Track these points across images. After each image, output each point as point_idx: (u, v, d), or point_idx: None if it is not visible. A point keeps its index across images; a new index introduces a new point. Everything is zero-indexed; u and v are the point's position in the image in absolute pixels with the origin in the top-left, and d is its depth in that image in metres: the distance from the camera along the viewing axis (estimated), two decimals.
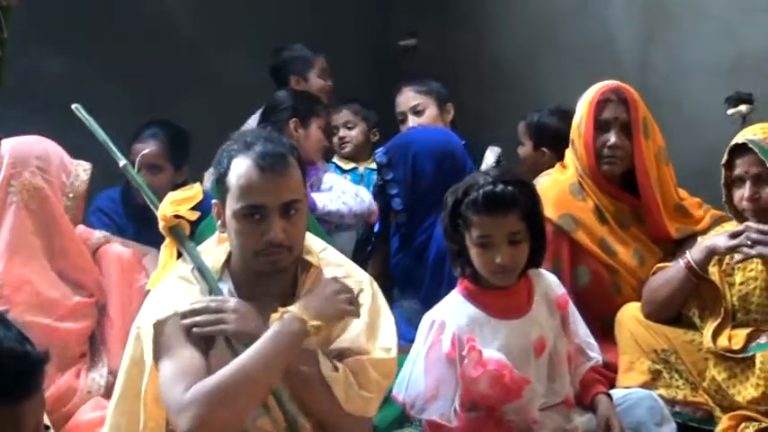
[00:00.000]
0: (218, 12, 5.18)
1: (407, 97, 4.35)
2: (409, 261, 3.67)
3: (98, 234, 3.47)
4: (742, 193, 3.12)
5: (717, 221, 3.48)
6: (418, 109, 4.32)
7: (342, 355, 2.53)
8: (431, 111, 4.32)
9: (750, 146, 3.07)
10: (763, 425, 3.00)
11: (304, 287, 2.56)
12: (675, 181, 3.56)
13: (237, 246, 2.52)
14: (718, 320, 3.13)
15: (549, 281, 2.85)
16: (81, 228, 3.45)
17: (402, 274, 3.71)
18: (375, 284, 2.68)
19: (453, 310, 2.74)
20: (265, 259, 2.48)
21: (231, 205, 2.48)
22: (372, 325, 2.60)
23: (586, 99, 3.45)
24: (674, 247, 3.50)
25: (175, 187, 3.52)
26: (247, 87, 4.88)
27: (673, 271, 3.20)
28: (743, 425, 3.03)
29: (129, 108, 4.59)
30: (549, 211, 3.33)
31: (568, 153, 3.56)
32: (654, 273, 3.30)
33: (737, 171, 3.14)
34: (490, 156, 4.22)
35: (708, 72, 4.06)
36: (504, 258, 2.66)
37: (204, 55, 5.11)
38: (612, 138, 3.39)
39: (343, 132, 4.68)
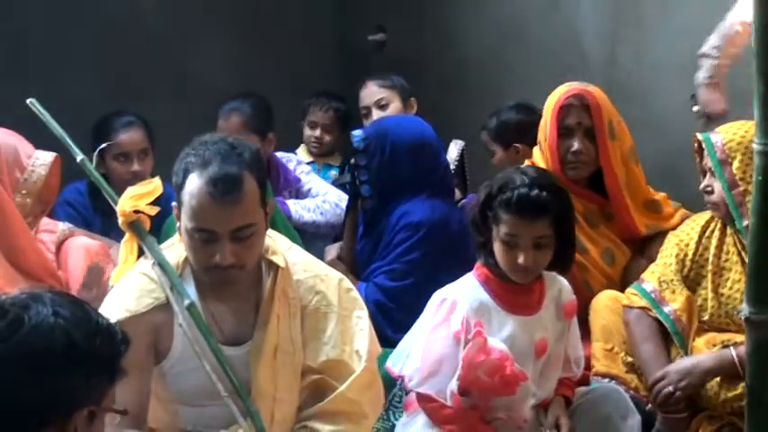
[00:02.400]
0: (188, 8, 5.16)
1: (372, 91, 4.34)
2: (370, 247, 3.66)
3: (63, 226, 3.45)
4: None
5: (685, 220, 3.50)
6: (382, 103, 4.31)
7: (319, 376, 2.55)
8: (395, 105, 4.31)
9: (703, 144, 3.11)
10: (726, 420, 3.02)
11: (273, 290, 2.54)
12: (644, 178, 3.57)
13: (191, 261, 2.51)
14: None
15: (562, 286, 2.88)
16: (46, 220, 3.42)
17: (363, 260, 3.70)
18: (345, 282, 2.67)
19: (467, 293, 2.77)
20: (215, 276, 2.48)
21: (184, 221, 2.46)
22: (344, 326, 2.59)
23: (549, 103, 3.46)
24: (641, 244, 3.52)
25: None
26: (217, 82, 4.87)
27: (644, 357, 3.14)
28: (704, 422, 3.04)
29: (100, 104, 4.57)
30: None
31: (536, 151, 3.57)
32: (639, 315, 3.18)
33: (703, 162, 3.17)
34: (453, 149, 4.22)
35: (673, 69, 4.06)
36: (527, 261, 2.70)
37: (173, 51, 5.08)
38: (576, 144, 3.41)
39: None
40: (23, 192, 3.16)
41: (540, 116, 3.77)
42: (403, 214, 3.52)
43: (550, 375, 2.84)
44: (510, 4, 4.78)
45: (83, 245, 3.37)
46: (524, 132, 3.88)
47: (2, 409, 1.64)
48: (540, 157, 3.53)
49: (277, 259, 2.57)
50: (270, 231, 2.63)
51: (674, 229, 3.41)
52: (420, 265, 3.47)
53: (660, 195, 3.59)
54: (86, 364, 1.69)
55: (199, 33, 5.13)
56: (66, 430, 1.68)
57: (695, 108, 3.94)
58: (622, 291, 3.34)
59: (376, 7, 5.45)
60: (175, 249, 2.58)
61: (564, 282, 2.88)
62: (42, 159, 3.21)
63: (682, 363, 3.03)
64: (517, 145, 3.98)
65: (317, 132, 4.66)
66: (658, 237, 3.44)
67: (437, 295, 2.80)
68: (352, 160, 3.69)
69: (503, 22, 4.81)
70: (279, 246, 2.63)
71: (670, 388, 2.96)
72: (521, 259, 2.69)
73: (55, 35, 4.74)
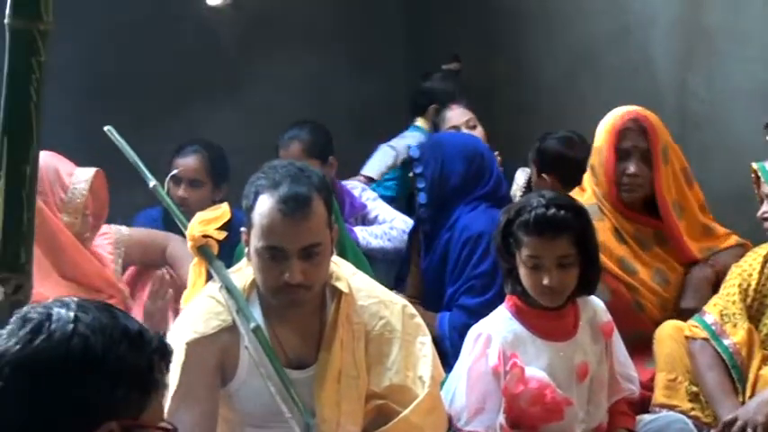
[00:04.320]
0: (261, 38, 5.25)
1: (461, 112, 4.42)
2: (435, 263, 3.70)
3: (115, 227, 3.49)
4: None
5: (740, 247, 3.51)
6: (471, 124, 4.38)
7: (382, 401, 2.57)
8: (480, 129, 4.37)
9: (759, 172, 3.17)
10: None
11: (337, 315, 2.58)
12: (702, 201, 3.58)
13: (259, 282, 2.56)
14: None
15: (596, 307, 2.87)
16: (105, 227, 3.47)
17: (429, 277, 3.74)
18: (409, 309, 2.69)
19: (500, 325, 2.78)
20: (283, 296, 2.53)
21: (254, 241, 2.52)
22: (407, 352, 2.61)
23: (606, 126, 3.49)
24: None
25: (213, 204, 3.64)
26: (290, 110, 4.93)
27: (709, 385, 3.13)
28: None
29: (167, 123, 4.68)
30: None
31: (587, 177, 3.58)
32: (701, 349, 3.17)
33: (761, 189, 3.22)
34: (521, 177, 4.22)
35: (747, 97, 4.03)
36: (553, 281, 2.69)
37: (246, 80, 5.18)
38: (632, 167, 3.42)
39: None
40: (69, 211, 3.22)
41: (584, 152, 3.77)
42: (464, 228, 3.59)
43: (598, 400, 2.82)
44: (581, 30, 4.79)
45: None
46: (558, 165, 3.86)
47: (19, 420, 1.56)
48: (589, 183, 3.55)
49: (341, 285, 2.61)
50: (334, 257, 2.67)
51: (727, 249, 3.47)
52: (494, 275, 3.48)
53: (711, 221, 3.59)
54: (107, 371, 1.57)
55: (272, 63, 5.22)
56: None
57: None
58: (683, 297, 3.38)
59: (450, 36, 5.50)
60: (242, 274, 2.64)
61: (598, 303, 2.87)
62: (82, 176, 3.26)
63: (748, 404, 3.01)
64: (545, 175, 3.91)
65: None
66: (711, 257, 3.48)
67: (472, 331, 2.81)
68: (411, 173, 3.77)
69: (574, 49, 4.81)
70: (343, 272, 2.67)
71: (749, 429, 2.93)
72: (546, 280, 2.68)
73: (129, 65, 4.86)
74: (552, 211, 2.68)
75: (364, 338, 2.61)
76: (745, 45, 4.07)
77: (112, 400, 1.57)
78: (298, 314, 2.59)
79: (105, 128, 2.77)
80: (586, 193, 3.55)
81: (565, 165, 3.78)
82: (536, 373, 2.70)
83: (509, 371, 2.69)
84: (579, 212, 2.74)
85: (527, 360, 2.72)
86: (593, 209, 3.43)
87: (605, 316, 2.87)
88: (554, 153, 3.91)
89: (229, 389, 2.58)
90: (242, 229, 2.59)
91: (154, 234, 3.65)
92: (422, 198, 3.71)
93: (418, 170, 3.72)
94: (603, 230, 3.44)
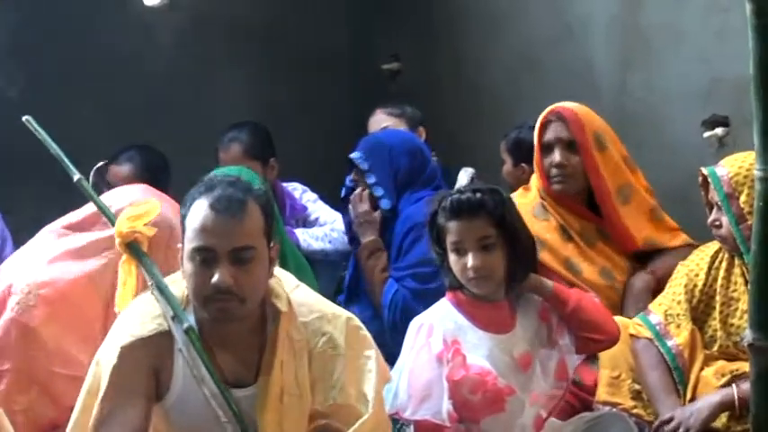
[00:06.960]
0: (200, 41, 5.19)
1: (379, 119, 4.38)
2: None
3: None
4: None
5: (689, 246, 3.47)
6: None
7: (326, 420, 2.50)
8: None
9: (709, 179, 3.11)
10: None
11: (276, 334, 2.49)
12: (647, 186, 3.60)
13: (190, 290, 2.47)
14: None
15: (529, 297, 2.88)
16: None
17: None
18: (354, 321, 2.60)
19: (442, 316, 2.81)
20: (214, 306, 2.42)
21: (186, 246, 2.45)
22: (352, 367, 2.54)
23: (536, 125, 3.55)
24: (641, 258, 3.51)
25: None
26: (232, 112, 4.88)
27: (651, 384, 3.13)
28: None
29: (107, 135, 4.60)
30: None
31: (533, 176, 3.61)
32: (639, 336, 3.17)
33: (710, 195, 3.16)
34: (464, 177, 4.20)
35: (684, 96, 4.07)
36: (476, 262, 2.72)
37: (191, 83, 5.11)
38: (556, 157, 3.47)
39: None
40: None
41: None
42: (407, 218, 3.58)
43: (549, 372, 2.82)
44: (522, 33, 4.79)
45: None
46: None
47: None
48: (534, 182, 3.60)
49: (279, 304, 2.51)
50: (276, 271, 2.57)
51: (673, 249, 3.48)
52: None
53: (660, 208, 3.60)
54: None
55: (216, 64, 5.17)
56: None
57: (706, 134, 3.93)
58: (623, 307, 3.36)
59: (390, 36, 5.48)
60: (179, 285, 2.53)
61: (531, 296, 2.88)
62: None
63: (687, 406, 3.03)
64: (524, 165, 3.95)
65: None
66: (656, 255, 3.49)
67: (414, 323, 2.83)
68: (353, 182, 3.72)
69: (515, 51, 4.82)
70: (284, 287, 2.57)
71: (681, 430, 2.95)
72: (469, 262, 2.71)
73: (69, 68, 4.78)
74: (467, 194, 2.76)
75: (307, 356, 2.52)
76: (682, 45, 4.10)
77: None
78: (236, 335, 2.50)
79: (24, 118, 2.69)
80: (531, 193, 3.58)
81: None
82: (477, 360, 2.73)
83: (451, 358, 2.71)
84: (496, 194, 2.79)
85: (468, 349, 2.75)
86: (537, 209, 3.52)
87: (539, 301, 2.88)
88: (531, 144, 3.84)
89: (165, 402, 2.48)
90: (178, 245, 2.49)
91: None
92: (385, 204, 3.67)
93: (371, 180, 3.67)
94: (549, 230, 3.49)
